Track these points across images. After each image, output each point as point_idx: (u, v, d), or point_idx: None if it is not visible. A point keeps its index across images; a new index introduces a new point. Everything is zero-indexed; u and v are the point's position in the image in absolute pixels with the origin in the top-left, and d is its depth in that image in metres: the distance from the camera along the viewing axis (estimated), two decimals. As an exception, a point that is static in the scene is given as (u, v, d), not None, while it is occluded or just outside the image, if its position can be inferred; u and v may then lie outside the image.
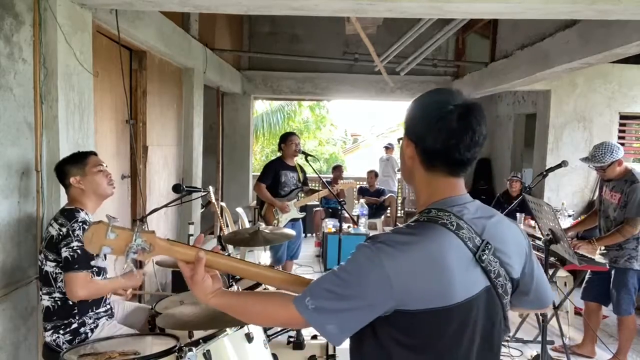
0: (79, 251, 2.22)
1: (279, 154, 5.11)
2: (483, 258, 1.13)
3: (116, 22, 3.23)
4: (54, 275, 2.28)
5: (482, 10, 2.90)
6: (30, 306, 2.59)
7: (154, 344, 2.01)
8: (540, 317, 3.24)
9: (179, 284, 4.09)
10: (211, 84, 6.67)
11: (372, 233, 7.00)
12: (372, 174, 8.30)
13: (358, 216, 7.00)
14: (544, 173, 3.76)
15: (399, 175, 9.43)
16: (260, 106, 14.96)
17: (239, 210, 6.33)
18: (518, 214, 5.20)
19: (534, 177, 6.13)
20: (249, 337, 1.95)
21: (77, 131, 2.84)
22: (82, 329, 2.32)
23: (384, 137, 17.01)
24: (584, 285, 3.92)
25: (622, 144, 6.52)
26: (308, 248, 6.93)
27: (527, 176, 7.28)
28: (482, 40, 7.91)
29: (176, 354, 1.80)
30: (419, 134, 1.17)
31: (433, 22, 5.00)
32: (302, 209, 5.19)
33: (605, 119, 6.40)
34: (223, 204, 6.56)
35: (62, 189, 2.62)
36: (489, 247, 1.14)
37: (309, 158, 4.80)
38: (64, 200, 2.58)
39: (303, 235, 5.81)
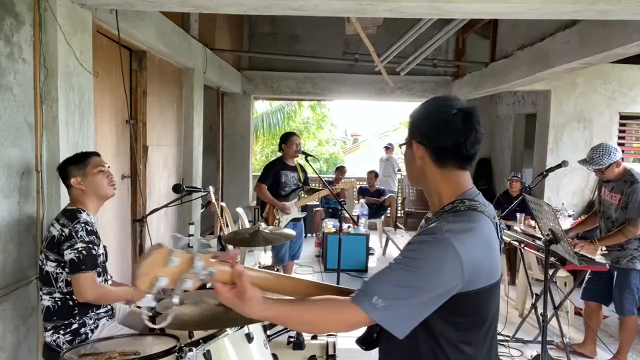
0: (84, 252, 2.23)
1: (279, 154, 5.11)
2: (502, 238, 1.33)
3: (116, 22, 3.23)
4: (55, 275, 2.28)
5: (482, 10, 2.90)
6: (30, 306, 2.59)
7: (154, 344, 2.01)
8: (540, 317, 3.24)
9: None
10: (211, 84, 6.67)
11: (372, 233, 7.04)
12: (372, 174, 8.29)
13: (358, 216, 7.00)
14: (544, 173, 3.76)
15: (399, 176, 9.43)
16: (260, 106, 14.96)
17: (239, 210, 6.33)
18: (518, 214, 5.20)
19: (534, 177, 6.13)
20: (249, 337, 1.95)
21: (77, 131, 2.84)
22: (82, 329, 2.32)
23: (384, 137, 17.01)
24: (584, 285, 3.92)
25: (622, 144, 6.54)
26: (308, 248, 6.93)
27: (527, 176, 7.29)
28: (482, 40, 7.91)
29: (176, 354, 1.80)
30: (429, 136, 1.30)
31: (433, 22, 5.00)
32: (303, 209, 5.19)
33: (605, 119, 6.40)
34: (223, 204, 6.56)
35: (63, 189, 2.63)
36: (501, 230, 1.34)
37: (309, 158, 4.79)
38: (64, 201, 2.58)
39: (308, 234, 5.83)
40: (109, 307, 2.48)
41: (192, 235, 3.42)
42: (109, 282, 2.50)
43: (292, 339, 2.67)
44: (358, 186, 8.89)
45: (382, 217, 8.03)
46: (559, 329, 3.63)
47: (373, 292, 1.15)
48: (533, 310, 3.82)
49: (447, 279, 1.16)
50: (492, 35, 7.03)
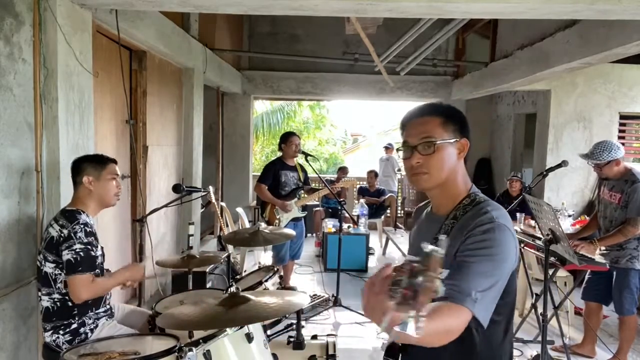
0: (81, 253, 2.22)
1: (279, 154, 5.11)
2: None
3: (116, 22, 3.23)
4: (54, 276, 2.28)
5: (482, 10, 2.90)
6: (30, 306, 2.59)
7: (154, 344, 2.01)
8: (540, 317, 3.24)
9: (179, 284, 4.10)
10: (211, 84, 6.67)
11: (372, 233, 7.04)
12: (372, 174, 8.29)
13: (358, 216, 7.00)
14: (544, 173, 3.75)
15: (398, 176, 9.43)
16: (260, 106, 14.96)
17: (239, 210, 6.33)
18: (518, 214, 5.20)
19: (534, 177, 6.13)
20: (249, 337, 1.95)
21: (77, 131, 2.84)
22: (81, 329, 2.32)
23: (384, 136, 16.99)
24: (584, 285, 3.92)
25: (622, 144, 6.52)
26: (308, 248, 6.93)
27: (527, 176, 7.28)
28: (482, 40, 7.91)
29: (176, 354, 1.80)
30: (468, 131, 1.43)
31: (433, 22, 5.00)
32: (303, 208, 5.20)
33: (605, 119, 6.40)
34: (223, 204, 6.57)
35: (63, 190, 2.63)
36: None
37: (308, 158, 4.80)
38: (64, 201, 2.58)
39: (308, 234, 5.83)
40: (108, 306, 2.48)
41: (192, 235, 3.42)
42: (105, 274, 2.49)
43: (292, 339, 2.67)
44: (358, 186, 8.89)
45: (382, 217, 8.03)
46: (559, 329, 3.63)
47: (469, 289, 1.20)
48: (533, 310, 3.82)
49: (512, 260, 1.30)
50: (492, 35, 7.03)
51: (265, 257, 6.38)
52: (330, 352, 2.60)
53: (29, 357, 2.62)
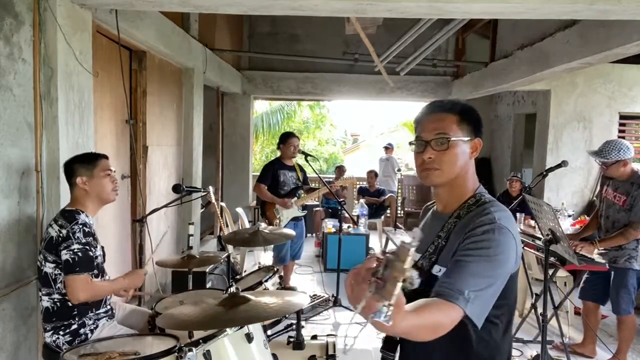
0: (79, 253, 2.22)
1: (278, 154, 5.12)
2: None
3: (116, 22, 3.23)
4: (53, 276, 2.28)
5: (482, 10, 2.90)
6: (30, 306, 2.59)
7: (154, 344, 2.01)
8: (540, 317, 3.24)
9: (178, 284, 4.09)
10: (211, 84, 6.67)
11: (371, 233, 7.04)
12: (372, 174, 8.29)
13: (358, 216, 6.99)
14: (544, 173, 3.75)
15: (398, 176, 9.43)
16: (260, 106, 14.96)
17: (239, 210, 6.33)
18: (518, 214, 5.20)
19: (533, 177, 6.13)
20: (248, 337, 1.95)
21: (77, 131, 2.84)
22: (81, 330, 2.32)
23: (384, 137, 17.00)
24: (581, 284, 3.92)
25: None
26: (308, 248, 6.92)
27: (527, 176, 7.29)
28: (482, 40, 7.91)
29: (176, 354, 1.80)
30: (481, 131, 1.44)
31: (433, 22, 5.00)
32: (302, 208, 5.20)
33: (605, 119, 6.40)
34: (223, 204, 6.56)
35: (62, 190, 2.63)
36: None
37: (308, 158, 4.80)
38: (64, 201, 2.58)
39: (308, 234, 5.82)
40: (108, 307, 2.48)
41: (192, 235, 3.42)
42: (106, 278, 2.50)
43: (292, 339, 2.67)
44: (358, 186, 8.89)
45: (382, 217, 8.03)
46: (558, 329, 3.63)
47: (463, 287, 1.20)
48: (533, 310, 3.82)
49: (511, 262, 1.28)
50: (492, 35, 7.03)
51: (265, 257, 6.38)
52: (330, 352, 2.60)
53: (29, 357, 2.62)
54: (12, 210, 2.44)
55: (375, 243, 7.65)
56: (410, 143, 1.45)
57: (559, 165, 3.63)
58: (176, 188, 3.42)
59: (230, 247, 5.37)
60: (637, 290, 3.62)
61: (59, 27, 2.61)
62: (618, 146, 3.51)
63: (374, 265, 0.97)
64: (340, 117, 19.46)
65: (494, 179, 8.57)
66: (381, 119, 19.73)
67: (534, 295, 3.75)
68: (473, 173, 1.44)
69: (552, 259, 3.46)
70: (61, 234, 2.24)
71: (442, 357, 1.35)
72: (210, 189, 4.49)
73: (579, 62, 4.58)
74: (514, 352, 3.91)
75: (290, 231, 3.30)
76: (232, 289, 1.93)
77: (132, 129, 4.09)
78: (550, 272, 3.56)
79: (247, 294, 1.92)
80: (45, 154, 2.64)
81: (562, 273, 4.24)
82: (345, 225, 6.09)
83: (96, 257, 2.33)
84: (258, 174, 5.33)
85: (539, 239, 3.85)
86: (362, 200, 7.35)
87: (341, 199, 4.95)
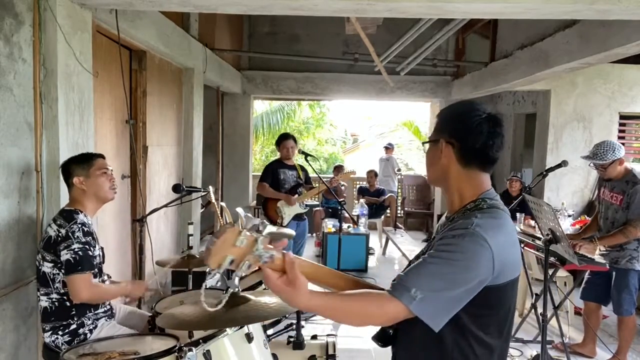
0: (80, 253, 2.22)
1: (278, 154, 5.17)
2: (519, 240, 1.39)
3: (116, 22, 3.23)
4: (52, 276, 2.28)
5: (482, 10, 2.90)
6: (30, 306, 2.59)
7: (154, 344, 2.01)
8: (540, 317, 3.24)
9: (178, 283, 4.09)
10: (211, 84, 6.66)
11: (371, 233, 7.04)
12: (372, 174, 8.29)
13: (358, 216, 7.00)
14: (544, 173, 3.75)
15: (398, 176, 9.43)
16: (260, 106, 14.96)
17: (239, 210, 6.33)
18: (518, 214, 5.20)
19: (533, 177, 6.13)
20: (248, 337, 1.95)
21: (77, 131, 2.84)
22: (80, 330, 2.32)
23: (384, 137, 16.99)
24: (583, 285, 3.92)
25: (622, 144, 6.52)
26: (308, 248, 6.92)
27: (527, 176, 7.28)
28: (482, 40, 7.90)
29: (176, 354, 1.80)
30: (459, 135, 1.35)
31: (433, 22, 4.99)
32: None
33: (605, 119, 6.39)
34: (223, 204, 6.56)
35: (62, 190, 2.62)
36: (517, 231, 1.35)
37: (308, 158, 4.81)
38: (64, 201, 2.58)
39: (308, 234, 5.84)
40: (108, 307, 2.48)
41: (192, 235, 3.42)
42: (107, 282, 2.50)
43: (292, 339, 2.67)
44: (358, 186, 8.88)
45: (382, 217, 8.03)
46: (558, 329, 3.63)
47: (411, 285, 1.20)
48: (533, 310, 3.82)
49: (480, 271, 1.21)
50: (492, 35, 7.02)
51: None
52: (330, 352, 2.60)
53: (29, 357, 2.62)
54: (12, 210, 2.44)
55: (375, 243, 7.65)
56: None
57: (559, 165, 3.64)
58: (176, 188, 3.42)
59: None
60: (638, 291, 3.62)
61: (59, 27, 2.61)
62: (612, 146, 3.52)
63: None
64: (340, 117, 19.46)
65: (494, 178, 8.54)
66: (381, 119, 19.71)
67: (534, 295, 3.76)
68: (467, 179, 1.36)
69: (552, 259, 3.46)
70: (60, 234, 2.24)
71: None
72: (210, 188, 4.48)
73: (579, 62, 4.58)
74: (514, 352, 3.91)
75: (290, 231, 3.30)
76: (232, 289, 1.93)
77: (132, 129, 4.09)
78: (550, 272, 3.57)
79: (247, 294, 1.92)
80: (45, 154, 2.63)
81: (562, 273, 4.24)
82: (345, 225, 6.10)
83: (95, 257, 2.33)
84: (258, 174, 5.35)
85: (539, 239, 3.85)
86: (362, 200, 7.35)
87: (341, 199, 4.95)
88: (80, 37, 2.84)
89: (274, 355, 2.25)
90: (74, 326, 2.30)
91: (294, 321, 2.69)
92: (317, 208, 7.89)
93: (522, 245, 4.02)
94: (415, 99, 8.52)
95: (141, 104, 4.33)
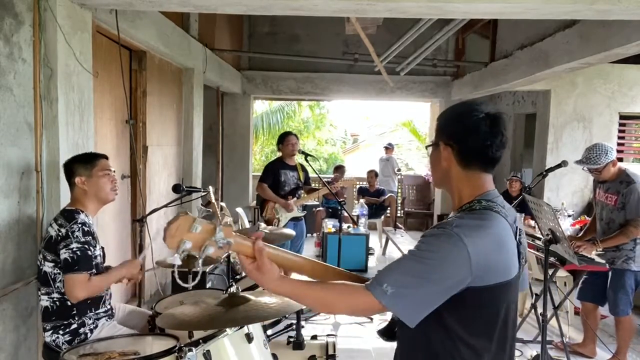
0: (78, 252, 2.22)
1: (278, 154, 5.14)
2: (521, 241, 1.36)
3: (116, 22, 3.23)
4: (53, 275, 2.28)
5: (482, 10, 2.90)
6: (30, 306, 2.59)
7: (154, 344, 2.01)
8: (540, 317, 3.24)
9: (179, 284, 4.09)
10: (211, 84, 6.67)
11: (371, 233, 7.04)
12: (372, 174, 8.29)
13: (358, 216, 7.00)
14: (544, 173, 3.75)
15: (398, 176, 9.43)
16: (260, 106, 14.96)
17: (239, 210, 6.33)
18: (518, 214, 5.19)
19: (533, 177, 6.13)
20: (248, 337, 1.95)
21: (77, 131, 2.84)
22: (81, 330, 2.32)
23: (384, 137, 17.00)
24: (580, 285, 3.92)
25: (622, 144, 6.54)
26: (308, 248, 6.93)
27: (527, 176, 7.28)
28: (482, 40, 7.90)
29: (176, 354, 1.80)
30: (457, 137, 1.34)
31: (433, 22, 4.99)
32: (302, 208, 5.20)
33: (605, 119, 6.40)
34: (223, 204, 6.56)
35: (62, 190, 2.63)
36: (521, 234, 1.38)
37: (308, 158, 4.80)
38: (64, 201, 2.58)
39: (308, 234, 5.82)
40: (108, 307, 2.48)
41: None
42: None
43: (292, 339, 2.67)
44: (358, 186, 8.88)
45: (382, 217, 8.03)
46: (558, 329, 3.63)
47: (384, 280, 1.22)
48: (533, 310, 3.82)
49: (454, 271, 1.20)
50: (492, 35, 7.03)
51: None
52: (330, 352, 2.60)
53: (29, 357, 2.62)
54: (12, 210, 2.44)
55: (375, 243, 7.65)
56: None
57: (558, 165, 3.64)
58: (176, 188, 3.41)
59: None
60: (634, 291, 3.62)
61: (59, 27, 2.61)
62: (604, 149, 3.53)
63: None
64: (340, 117, 19.46)
65: (494, 178, 8.52)
66: (381, 119, 19.72)
67: (534, 295, 3.75)
68: (466, 180, 1.36)
69: (552, 259, 3.46)
70: (60, 233, 2.24)
71: None
72: (210, 188, 4.48)
73: (579, 62, 4.58)
74: (515, 352, 3.90)
75: (290, 231, 3.30)
76: (232, 289, 1.93)
77: (132, 129, 4.09)
78: (550, 272, 3.57)
79: (247, 294, 1.93)
80: (45, 154, 2.63)
81: (562, 273, 4.24)
82: (345, 225, 6.10)
83: (95, 257, 2.33)
84: (258, 174, 5.34)
85: (539, 239, 3.85)
86: (362, 200, 7.35)
87: (341, 199, 4.95)
88: (80, 37, 2.84)
89: (274, 356, 2.25)
90: (74, 326, 2.30)
91: (294, 321, 2.70)
92: (318, 208, 7.89)
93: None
94: (415, 99, 8.51)
95: (141, 104, 4.33)
